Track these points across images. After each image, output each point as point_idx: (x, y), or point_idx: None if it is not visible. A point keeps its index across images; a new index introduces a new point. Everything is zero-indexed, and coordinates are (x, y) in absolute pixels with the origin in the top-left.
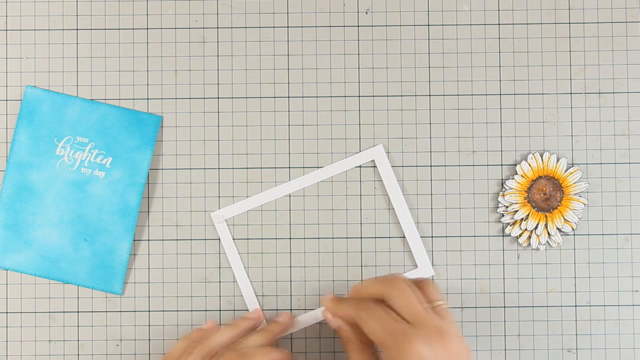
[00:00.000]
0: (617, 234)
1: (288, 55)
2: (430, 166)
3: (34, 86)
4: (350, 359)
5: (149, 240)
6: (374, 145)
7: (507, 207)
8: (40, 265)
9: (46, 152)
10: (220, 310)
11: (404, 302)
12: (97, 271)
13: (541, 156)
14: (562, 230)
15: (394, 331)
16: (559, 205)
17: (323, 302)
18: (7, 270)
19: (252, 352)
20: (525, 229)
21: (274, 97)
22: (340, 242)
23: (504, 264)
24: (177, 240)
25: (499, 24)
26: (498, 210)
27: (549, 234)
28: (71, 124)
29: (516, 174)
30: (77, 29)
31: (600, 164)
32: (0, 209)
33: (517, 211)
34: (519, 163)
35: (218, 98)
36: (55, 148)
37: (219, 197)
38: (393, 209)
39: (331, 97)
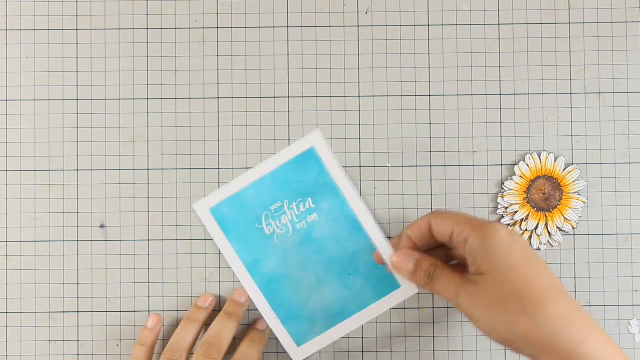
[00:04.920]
0: (617, 234)
1: (288, 55)
2: (430, 166)
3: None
4: (439, 284)
5: (148, 240)
6: (373, 145)
7: (507, 208)
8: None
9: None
10: (220, 310)
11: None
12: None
13: (539, 156)
14: (563, 229)
15: (472, 220)
16: (558, 204)
17: (389, 256)
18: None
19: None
20: (526, 230)
21: (274, 97)
22: None
23: None
24: (177, 240)
25: (499, 24)
26: (498, 212)
27: (549, 233)
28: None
29: (514, 174)
30: (77, 29)
31: (600, 164)
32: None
33: (517, 212)
34: (518, 163)
35: (218, 98)
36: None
37: None
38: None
39: (331, 97)
